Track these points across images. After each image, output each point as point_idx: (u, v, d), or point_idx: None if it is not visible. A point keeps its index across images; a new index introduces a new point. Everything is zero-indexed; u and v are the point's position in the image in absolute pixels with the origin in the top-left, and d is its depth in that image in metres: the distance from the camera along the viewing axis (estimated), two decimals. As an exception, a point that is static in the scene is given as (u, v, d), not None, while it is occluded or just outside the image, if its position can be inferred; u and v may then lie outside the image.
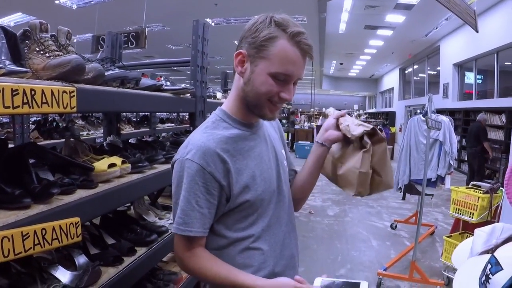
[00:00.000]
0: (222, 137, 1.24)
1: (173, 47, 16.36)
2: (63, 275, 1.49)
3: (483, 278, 1.19)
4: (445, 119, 5.01)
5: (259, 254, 1.31)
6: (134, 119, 6.80)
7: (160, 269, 2.28)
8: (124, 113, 7.21)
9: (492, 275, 1.14)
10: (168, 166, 2.01)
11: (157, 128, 5.91)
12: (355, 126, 1.41)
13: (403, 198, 5.99)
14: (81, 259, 1.60)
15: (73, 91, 1.25)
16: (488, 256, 1.26)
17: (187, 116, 7.38)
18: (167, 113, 8.22)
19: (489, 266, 1.18)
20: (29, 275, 1.42)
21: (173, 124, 7.04)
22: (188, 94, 2.22)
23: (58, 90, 1.20)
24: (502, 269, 1.13)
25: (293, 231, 1.47)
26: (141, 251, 1.84)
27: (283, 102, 1.25)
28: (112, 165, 1.61)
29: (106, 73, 1.58)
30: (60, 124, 4.88)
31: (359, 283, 1.19)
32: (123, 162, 1.67)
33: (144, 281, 2.08)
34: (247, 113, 1.30)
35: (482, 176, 8.29)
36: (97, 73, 1.47)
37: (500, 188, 3.96)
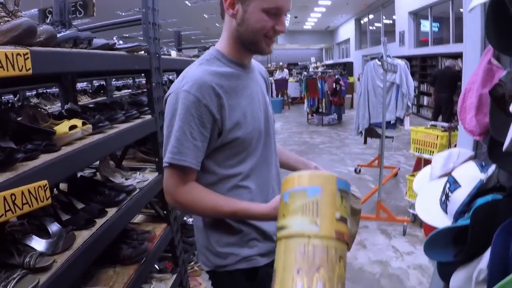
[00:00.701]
0: (217, 74, 1.28)
1: (123, 13, 15.77)
2: (38, 244, 1.48)
3: (443, 197, 1.27)
4: (400, 62, 5.10)
5: (247, 193, 1.38)
6: (90, 90, 6.59)
7: (133, 230, 2.29)
8: (79, 86, 6.99)
9: (451, 193, 1.22)
10: (129, 125, 2.00)
11: (114, 95, 5.76)
12: None
13: (365, 142, 6.15)
14: (53, 227, 1.58)
15: (27, 53, 1.22)
16: (446, 179, 1.34)
17: (144, 81, 7.22)
18: (123, 80, 8.02)
19: (447, 185, 1.25)
20: (5, 250, 1.41)
21: (130, 90, 6.88)
22: (142, 52, 2.18)
23: (12, 53, 1.16)
24: (460, 186, 1.20)
25: (278, 175, 1.54)
26: (111, 211, 1.84)
27: (277, 35, 1.30)
28: (73, 127, 1.58)
29: (58, 35, 1.53)
30: (16, 104, 4.71)
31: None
32: (83, 124, 1.64)
33: (119, 243, 2.09)
34: (241, 52, 1.35)
35: (450, 114, 8.69)
36: (49, 34, 1.42)
37: (458, 126, 4.10)
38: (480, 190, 1.18)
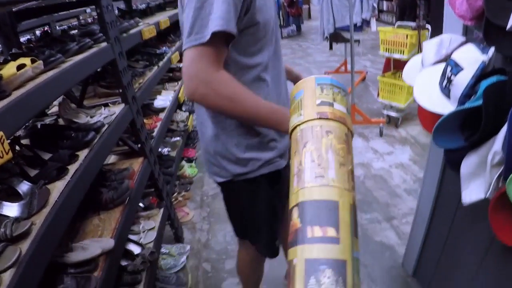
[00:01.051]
0: None
1: None
2: (10, 209, 1.33)
3: (445, 82, 1.18)
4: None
5: (265, 86, 1.33)
6: (34, 40, 6.11)
7: (110, 171, 2.16)
8: (22, 40, 6.48)
9: (455, 76, 1.13)
10: (84, 55, 1.77)
11: (62, 39, 5.35)
12: None
13: (331, 48, 6.05)
14: (23, 186, 1.42)
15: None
16: (442, 64, 1.25)
17: (90, 20, 6.77)
18: (69, 24, 7.51)
19: (449, 68, 1.16)
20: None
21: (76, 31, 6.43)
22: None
23: None
24: (463, 69, 1.12)
25: (284, 71, 1.52)
26: (83, 154, 1.69)
27: None
28: (21, 66, 1.37)
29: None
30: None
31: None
32: (32, 61, 1.42)
33: (98, 187, 1.97)
34: None
35: (414, 17, 8.60)
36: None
37: (426, 25, 4.08)
38: (482, 73, 1.11)
